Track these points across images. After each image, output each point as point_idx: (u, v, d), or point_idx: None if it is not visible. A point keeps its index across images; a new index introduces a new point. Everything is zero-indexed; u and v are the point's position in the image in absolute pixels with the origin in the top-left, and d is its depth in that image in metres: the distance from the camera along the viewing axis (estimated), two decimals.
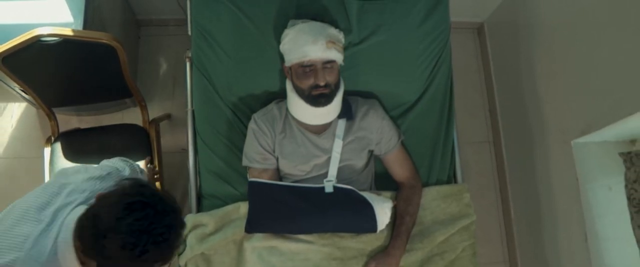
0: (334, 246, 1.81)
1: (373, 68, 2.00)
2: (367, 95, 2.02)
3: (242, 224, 1.82)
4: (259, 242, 1.81)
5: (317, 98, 1.72)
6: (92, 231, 1.17)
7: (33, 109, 2.72)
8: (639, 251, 1.79)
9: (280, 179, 1.91)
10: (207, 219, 1.86)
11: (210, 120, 1.98)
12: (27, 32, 1.76)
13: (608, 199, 1.93)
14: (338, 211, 1.80)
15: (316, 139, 1.84)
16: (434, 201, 1.96)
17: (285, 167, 1.87)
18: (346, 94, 1.87)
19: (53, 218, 1.29)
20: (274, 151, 1.85)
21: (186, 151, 2.03)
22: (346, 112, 1.86)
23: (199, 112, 1.99)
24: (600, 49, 1.86)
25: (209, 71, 1.98)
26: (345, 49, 1.90)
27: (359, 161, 1.89)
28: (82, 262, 1.26)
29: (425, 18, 2.03)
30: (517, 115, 2.64)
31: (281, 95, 1.96)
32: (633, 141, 1.93)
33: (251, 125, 1.87)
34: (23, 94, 2.26)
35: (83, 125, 2.67)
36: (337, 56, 1.73)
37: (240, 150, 1.92)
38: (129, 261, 1.14)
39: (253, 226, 1.81)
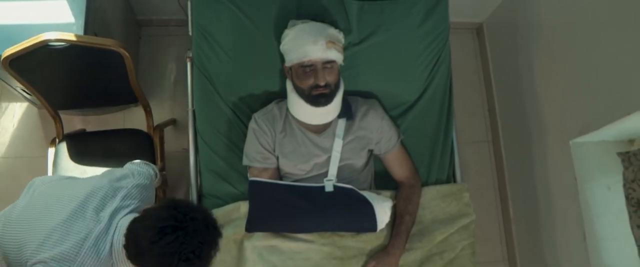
0: (334, 245, 1.82)
1: (373, 68, 2.01)
2: (367, 95, 2.02)
3: (243, 223, 1.83)
4: (259, 241, 1.81)
5: (317, 98, 1.72)
6: (133, 248, 1.32)
7: (35, 109, 2.73)
8: (638, 250, 1.79)
9: (281, 179, 1.91)
10: None
11: (211, 120, 1.98)
12: (35, 37, 1.76)
13: (606, 198, 1.93)
14: (338, 210, 1.80)
15: (316, 139, 1.84)
16: (433, 200, 1.97)
17: (286, 166, 1.87)
18: (346, 93, 1.88)
19: (110, 220, 1.44)
20: (274, 150, 1.86)
21: (187, 150, 2.03)
22: (346, 112, 1.87)
23: (199, 112, 2.00)
24: (599, 49, 1.86)
25: (210, 71, 1.98)
26: (345, 49, 1.90)
27: (359, 160, 1.90)
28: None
29: (425, 18, 2.03)
30: (516, 115, 2.64)
31: (281, 95, 1.96)
32: (631, 141, 1.93)
33: (251, 124, 1.87)
34: (25, 93, 2.27)
35: (86, 125, 2.69)
36: (337, 56, 1.73)
37: (241, 149, 1.93)
38: None
39: (253, 225, 1.82)
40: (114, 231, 1.43)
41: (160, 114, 2.75)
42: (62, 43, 1.81)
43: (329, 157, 1.86)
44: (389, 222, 1.86)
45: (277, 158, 1.87)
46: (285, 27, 1.86)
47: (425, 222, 1.94)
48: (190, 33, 2.02)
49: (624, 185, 1.82)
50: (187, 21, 2.05)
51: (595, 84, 1.89)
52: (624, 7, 1.71)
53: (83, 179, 1.61)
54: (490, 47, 2.99)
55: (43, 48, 1.79)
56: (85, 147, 2.22)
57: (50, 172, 2.20)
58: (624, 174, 1.82)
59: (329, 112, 1.80)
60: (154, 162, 2.26)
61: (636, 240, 1.80)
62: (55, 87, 2.01)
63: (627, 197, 1.81)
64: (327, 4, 1.99)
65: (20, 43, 1.76)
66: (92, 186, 1.51)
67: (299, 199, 1.82)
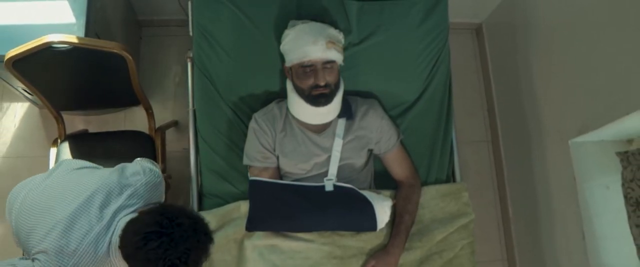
0: (334, 244, 1.83)
1: (372, 68, 2.02)
2: (367, 95, 2.03)
3: (243, 222, 1.84)
4: (260, 241, 1.82)
5: (317, 98, 1.73)
6: (124, 250, 1.33)
7: (36, 109, 2.73)
8: (636, 249, 1.79)
9: (281, 178, 1.91)
10: (208, 217, 1.82)
11: (211, 120, 1.99)
12: (38, 38, 1.77)
13: (605, 198, 1.93)
14: (338, 210, 1.81)
15: (316, 138, 1.85)
16: (432, 199, 1.98)
17: (286, 165, 1.88)
18: (346, 93, 1.88)
19: (112, 219, 1.45)
20: (274, 150, 1.87)
21: (188, 150, 2.04)
22: (346, 112, 1.87)
23: (200, 112, 2.00)
24: (597, 49, 1.87)
25: (210, 71, 1.99)
26: (345, 49, 1.91)
27: (359, 160, 1.90)
28: None
29: (424, 18, 2.04)
30: (515, 115, 2.64)
31: (281, 95, 1.97)
32: (630, 141, 1.93)
33: (252, 124, 1.88)
34: (26, 94, 2.27)
35: (87, 125, 2.69)
36: (337, 56, 1.74)
37: (241, 149, 1.93)
38: None
39: (254, 224, 1.82)
40: (114, 230, 1.44)
41: (161, 114, 2.75)
42: (65, 45, 1.81)
43: (329, 157, 1.86)
44: (389, 221, 1.86)
45: (278, 158, 1.88)
46: (285, 27, 1.87)
47: (424, 222, 1.94)
48: (190, 33, 2.03)
49: (623, 184, 1.82)
50: (187, 21, 2.05)
51: (594, 84, 1.90)
52: (623, 7, 1.72)
53: (98, 171, 1.62)
54: (490, 47, 2.99)
55: (46, 49, 1.80)
56: (87, 148, 2.22)
57: None
58: (622, 174, 1.82)
59: (329, 112, 1.80)
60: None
61: (635, 239, 1.80)
62: (57, 89, 2.01)
63: (625, 197, 1.81)
64: (327, 5, 2.00)
65: (24, 44, 1.77)
66: (102, 181, 1.52)
67: (299, 199, 1.82)
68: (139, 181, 1.58)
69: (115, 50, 1.87)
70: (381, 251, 1.84)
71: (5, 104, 2.76)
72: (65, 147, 2.18)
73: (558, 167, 2.19)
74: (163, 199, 1.72)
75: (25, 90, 2.20)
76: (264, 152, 1.85)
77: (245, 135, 1.94)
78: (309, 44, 1.70)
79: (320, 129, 1.87)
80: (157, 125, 2.35)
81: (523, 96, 2.52)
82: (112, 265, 1.47)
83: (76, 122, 2.70)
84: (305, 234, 1.83)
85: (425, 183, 2.02)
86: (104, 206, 1.46)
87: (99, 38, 2.06)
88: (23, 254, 1.52)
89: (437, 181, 2.05)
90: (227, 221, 1.88)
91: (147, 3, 2.76)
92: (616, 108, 1.73)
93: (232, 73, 1.98)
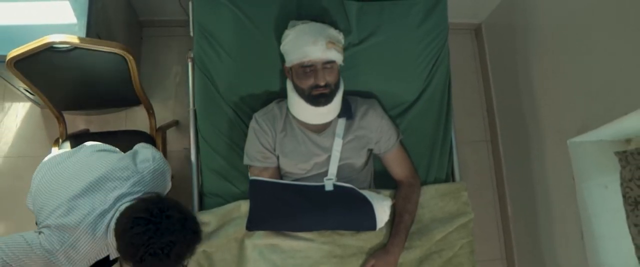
0: (334, 243, 1.83)
1: (372, 68, 2.02)
2: (367, 95, 2.04)
3: (243, 222, 1.84)
4: (260, 240, 1.82)
5: (317, 98, 1.73)
6: (115, 231, 1.40)
7: (37, 109, 2.74)
8: (635, 248, 1.80)
9: (281, 178, 1.92)
10: (209, 217, 1.88)
11: (212, 120, 1.99)
12: (40, 39, 1.78)
13: (604, 197, 1.94)
14: (338, 209, 1.81)
15: (316, 138, 1.86)
16: (432, 199, 1.98)
17: (286, 165, 1.88)
18: (346, 93, 1.89)
19: (114, 203, 1.52)
20: (274, 150, 1.87)
21: (188, 149, 2.04)
22: (346, 112, 1.88)
23: (200, 112, 2.01)
24: (596, 49, 1.87)
25: (211, 71, 1.99)
26: (345, 49, 1.92)
27: (359, 160, 1.91)
28: None
29: (424, 19, 2.04)
30: (514, 114, 2.65)
31: (282, 95, 1.97)
32: (628, 140, 1.93)
33: (252, 124, 1.88)
34: (28, 94, 2.28)
35: (88, 124, 2.70)
36: (337, 56, 1.74)
37: (242, 149, 1.93)
38: (132, 263, 1.36)
39: (254, 223, 1.83)
40: (114, 214, 1.49)
41: (162, 114, 2.76)
42: (67, 45, 1.82)
43: (329, 157, 1.86)
44: (389, 221, 1.86)
45: (278, 157, 1.88)
46: (285, 27, 1.87)
47: (424, 221, 1.95)
48: (191, 33, 2.04)
49: (621, 184, 1.83)
50: (188, 22, 2.06)
51: (592, 84, 1.90)
52: (622, 8, 1.72)
53: (112, 155, 1.66)
54: (489, 48, 3.00)
55: (47, 50, 1.80)
56: None
57: None
58: (621, 173, 1.83)
59: (329, 111, 1.80)
60: None
61: (633, 238, 1.80)
62: (59, 88, 2.02)
63: (624, 196, 1.82)
64: (327, 5, 2.01)
65: (25, 45, 1.77)
66: (112, 165, 1.58)
67: (299, 198, 1.83)
68: (147, 168, 1.63)
69: (116, 51, 1.88)
70: (381, 250, 1.84)
71: (7, 104, 2.76)
72: (67, 147, 2.19)
73: (557, 167, 2.19)
74: (169, 187, 1.75)
75: (27, 90, 2.20)
76: (264, 152, 1.86)
77: (245, 135, 1.94)
78: (309, 44, 1.70)
79: (320, 128, 1.87)
80: (157, 125, 2.36)
81: (522, 96, 2.53)
82: (109, 246, 1.53)
83: (77, 122, 2.71)
84: (306, 234, 1.84)
85: (424, 183, 2.02)
86: (109, 190, 1.52)
87: (100, 38, 2.06)
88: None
89: (437, 181, 2.05)
90: (227, 220, 1.89)
91: (148, 3, 2.77)
92: (615, 108, 1.73)
93: (232, 73, 1.98)
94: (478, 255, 2.01)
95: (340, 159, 1.87)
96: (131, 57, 1.92)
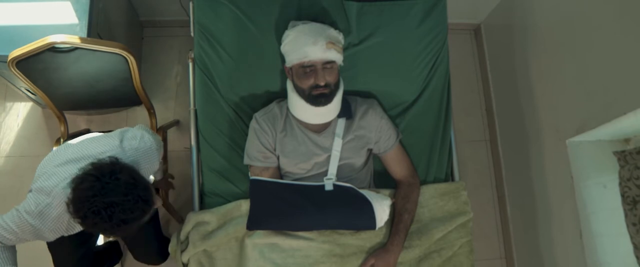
0: (333, 242, 1.83)
1: (372, 68, 2.03)
2: (366, 95, 2.04)
3: (244, 221, 1.85)
4: (260, 239, 1.83)
5: (317, 98, 1.74)
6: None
7: (39, 109, 2.75)
8: (633, 248, 1.80)
9: (281, 177, 1.92)
10: (210, 216, 1.89)
11: (213, 120, 2.00)
12: (41, 39, 1.78)
13: (602, 196, 1.94)
14: (338, 209, 1.82)
15: (316, 138, 1.86)
16: (431, 198, 1.98)
17: (286, 165, 1.89)
18: (346, 93, 1.90)
19: None
20: (275, 150, 1.87)
21: (189, 149, 2.05)
22: (346, 112, 1.88)
23: (201, 112, 2.01)
24: (594, 50, 1.87)
25: (211, 71, 2.00)
26: (345, 49, 1.93)
27: (358, 159, 1.91)
28: None
29: (423, 19, 2.05)
30: (513, 114, 2.65)
31: (282, 95, 1.98)
32: (627, 140, 1.93)
33: (253, 124, 1.89)
34: (29, 93, 2.29)
35: (89, 124, 2.71)
36: (337, 57, 1.75)
37: (242, 148, 1.94)
38: (79, 222, 1.37)
39: (254, 223, 1.83)
40: None
41: (163, 114, 2.77)
42: (68, 45, 1.82)
43: (329, 156, 1.87)
44: (388, 220, 1.87)
45: (278, 157, 1.89)
46: (285, 28, 1.87)
47: (423, 220, 1.95)
48: (192, 34, 2.04)
49: (620, 183, 1.83)
50: (189, 22, 2.06)
51: (591, 84, 1.90)
52: (620, 8, 1.73)
53: (106, 136, 1.68)
54: (488, 48, 3.00)
55: (49, 50, 1.81)
56: None
57: None
58: (619, 173, 1.83)
59: (329, 111, 1.81)
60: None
61: (631, 237, 1.80)
62: (60, 88, 2.02)
63: (622, 196, 1.82)
64: (327, 5, 2.01)
65: (27, 45, 1.78)
66: (101, 145, 1.61)
67: (299, 198, 1.83)
68: (132, 146, 1.64)
69: (117, 51, 1.89)
70: (381, 249, 1.84)
71: (8, 104, 2.77)
72: None
73: (556, 166, 2.20)
74: (155, 167, 1.74)
75: (28, 90, 2.21)
76: (264, 152, 1.86)
77: (246, 134, 1.95)
78: (309, 45, 1.71)
79: (320, 128, 1.88)
80: (158, 125, 2.36)
81: (521, 96, 2.53)
82: None
83: (78, 121, 2.72)
84: (306, 233, 1.84)
85: (424, 182, 2.02)
86: (88, 161, 1.51)
87: (101, 39, 2.07)
88: None
89: (436, 180, 2.06)
90: (228, 219, 1.89)
91: (149, 4, 2.77)
92: (613, 108, 1.74)
93: (233, 73, 1.99)
94: (477, 254, 2.03)
95: (340, 159, 1.87)
96: (132, 57, 1.93)
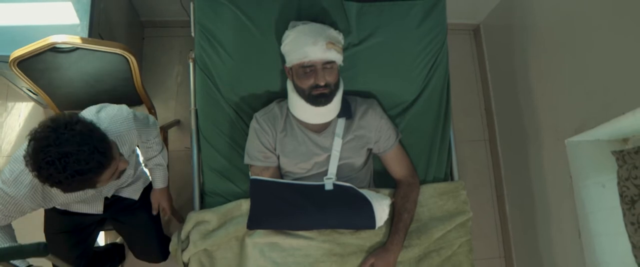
0: (333, 242, 1.83)
1: (372, 68, 2.03)
2: (366, 95, 2.05)
3: (244, 220, 1.85)
4: (261, 239, 1.83)
5: (317, 98, 1.74)
6: None
7: (40, 108, 2.75)
8: (631, 247, 1.80)
9: (282, 177, 1.93)
10: (210, 215, 1.89)
11: (213, 119, 2.01)
12: (43, 39, 1.79)
13: (601, 196, 1.95)
14: (338, 208, 1.82)
15: (316, 138, 1.87)
16: (431, 198, 1.99)
17: (286, 165, 1.89)
18: (345, 93, 1.90)
19: None
20: (275, 149, 1.88)
21: (190, 149, 2.05)
22: (345, 112, 1.89)
23: (202, 112, 2.02)
24: (593, 50, 1.88)
25: (212, 71, 2.00)
26: (345, 50, 1.93)
27: (358, 159, 1.92)
28: None
29: (423, 20, 2.05)
30: (512, 114, 2.66)
31: (282, 95, 1.99)
32: (625, 140, 1.94)
33: (253, 124, 1.89)
34: (31, 93, 2.29)
35: None
36: (337, 57, 1.75)
37: (243, 148, 1.95)
38: (35, 174, 1.35)
39: (255, 222, 1.84)
40: None
41: (163, 114, 2.78)
42: (69, 45, 1.83)
43: (329, 156, 1.87)
44: (388, 219, 1.87)
45: (278, 157, 1.89)
46: (285, 28, 1.88)
47: (423, 220, 1.95)
48: (192, 34, 2.05)
49: (618, 183, 1.83)
50: (189, 22, 2.07)
51: (590, 84, 1.91)
52: (618, 8, 1.73)
53: (91, 107, 1.68)
54: (487, 48, 3.01)
55: (50, 50, 1.82)
56: None
57: None
58: (618, 172, 1.83)
59: (329, 111, 1.81)
60: None
61: (630, 236, 1.81)
62: (61, 88, 2.03)
63: (621, 195, 1.82)
64: (327, 6, 2.02)
65: (28, 45, 1.79)
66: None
67: (299, 197, 1.84)
68: (109, 113, 1.65)
69: (118, 51, 1.89)
70: (380, 248, 1.85)
71: (10, 104, 2.77)
72: None
73: (555, 166, 2.20)
74: (135, 140, 1.73)
75: (30, 90, 2.21)
76: (264, 152, 1.87)
77: (246, 134, 1.95)
78: (309, 45, 1.71)
79: (320, 128, 1.88)
80: (159, 125, 2.36)
81: (520, 96, 2.54)
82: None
83: None
84: (306, 232, 1.84)
85: (423, 182, 2.03)
86: None
87: (102, 39, 2.08)
88: None
89: (436, 180, 2.06)
90: (228, 219, 1.90)
91: (150, 4, 2.78)
92: (612, 108, 1.74)
93: (233, 73, 1.99)
94: (476, 253, 2.03)
95: (340, 159, 1.88)
96: (133, 58, 1.94)
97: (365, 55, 2.03)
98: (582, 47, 1.96)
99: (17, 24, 2.02)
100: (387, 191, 1.95)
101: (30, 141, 1.34)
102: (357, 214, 1.83)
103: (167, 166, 2.03)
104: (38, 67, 1.88)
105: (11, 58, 1.80)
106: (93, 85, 2.05)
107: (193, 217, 1.90)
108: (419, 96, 2.09)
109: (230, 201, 1.94)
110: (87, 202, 1.89)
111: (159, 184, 2.02)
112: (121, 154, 1.55)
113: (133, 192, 2.01)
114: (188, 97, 2.09)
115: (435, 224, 1.94)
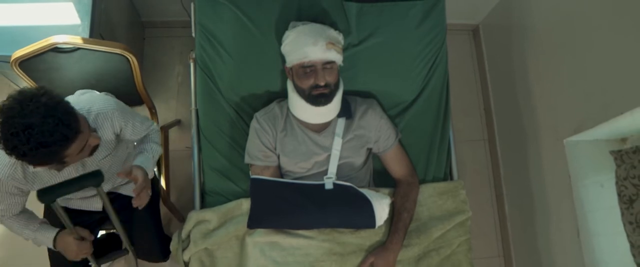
0: (333, 241, 1.84)
1: (371, 69, 2.04)
2: (366, 95, 2.05)
3: (245, 220, 1.85)
4: (261, 238, 1.83)
5: (317, 98, 1.75)
6: None
7: None
8: (629, 246, 1.80)
9: (282, 176, 1.93)
10: (211, 215, 1.89)
11: (214, 119, 2.01)
12: (44, 39, 1.79)
13: (599, 195, 1.95)
14: (338, 207, 1.83)
15: (316, 137, 1.87)
16: (430, 197, 1.99)
17: (287, 164, 1.90)
18: (345, 93, 1.91)
19: None
20: (275, 149, 1.89)
21: (190, 148, 2.06)
22: (345, 111, 1.89)
23: (202, 112, 2.03)
24: (592, 50, 1.88)
25: (213, 71, 2.01)
26: (345, 50, 1.94)
27: (358, 159, 1.92)
28: None
29: (422, 20, 2.06)
30: (511, 114, 2.66)
31: (282, 95, 1.99)
32: (623, 139, 1.94)
33: (253, 123, 1.90)
34: None
35: None
36: (337, 57, 1.76)
37: (243, 148, 1.95)
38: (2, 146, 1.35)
39: (255, 221, 1.84)
40: None
41: (164, 113, 2.78)
42: (70, 46, 1.83)
43: (329, 156, 1.88)
44: (388, 218, 1.88)
45: (278, 156, 1.90)
46: (286, 28, 1.88)
47: (422, 219, 1.96)
48: (193, 34, 2.05)
49: (617, 182, 1.83)
50: (190, 23, 2.07)
51: (588, 84, 1.91)
52: (617, 9, 1.74)
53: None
54: (486, 48, 3.01)
55: (51, 50, 1.82)
56: None
57: None
58: (616, 172, 1.83)
59: (329, 111, 1.82)
60: (159, 163, 2.28)
61: (628, 236, 1.80)
62: (62, 88, 2.03)
63: (619, 194, 1.82)
64: (326, 6, 2.03)
65: (30, 45, 1.79)
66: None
67: (299, 197, 1.84)
68: (93, 95, 1.67)
69: (119, 51, 1.90)
70: (380, 247, 1.85)
71: None
72: None
73: (553, 166, 2.20)
74: (116, 124, 1.72)
75: None
76: (265, 151, 1.87)
77: (246, 134, 1.96)
78: (309, 45, 1.72)
79: (320, 128, 1.89)
80: (160, 125, 2.38)
81: (519, 96, 2.54)
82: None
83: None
84: (306, 231, 1.85)
85: (423, 181, 2.03)
86: None
87: (103, 39, 2.09)
88: None
89: (435, 179, 2.06)
90: (229, 218, 1.90)
91: (151, 5, 2.79)
92: (610, 108, 1.75)
93: (234, 73, 2.00)
94: (476, 252, 2.03)
95: (340, 158, 1.88)
96: (134, 58, 1.94)
97: (365, 56, 2.03)
98: (580, 47, 1.97)
99: (18, 24, 2.02)
100: (386, 190, 1.95)
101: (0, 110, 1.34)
102: (357, 213, 1.83)
103: (154, 160, 1.92)
104: (39, 67, 1.89)
105: (13, 58, 1.81)
106: (94, 85, 2.05)
107: (194, 217, 1.91)
108: (418, 96, 2.09)
109: (230, 200, 1.94)
110: (85, 198, 1.90)
111: (139, 162, 1.82)
112: (94, 130, 1.55)
113: (132, 190, 2.00)
114: (189, 97, 2.09)
115: (434, 223, 1.94)
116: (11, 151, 1.33)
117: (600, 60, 1.84)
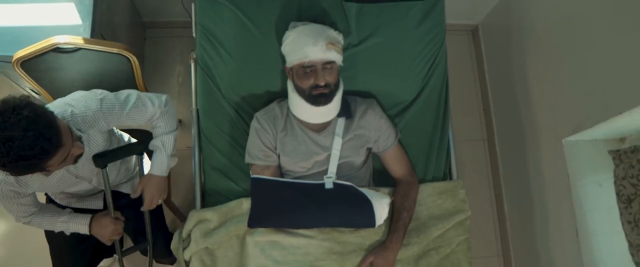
0: (333, 240, 1.84)
1: (371, 69, 2.04)
2: (366, 95, 2.05)
3: (245, 219, 1.85)
4: (261, 237, 1.84)
5: (317, 98, 1.75)
6: None
7: None
8: (628, 245, 1.81)
9: (282, 176, 1.94)
10: (211, 214, 1.89)
11: (214, 119, 2.02)
12: (45, 40, 1.79)
13: (598, 195, 1.96)
14: (338, 207, 1.83)
15: (316, 137, 1.88)
16: (430, 197, 1.99)
17: (287, 164, 1.90)
18: (345, 93, 1.91)
19: None
20: (275, 148, 1.89)
21: (191, 148, 2.06)
22: (345, 111, 1.89)
23: (203, 111, 2.03)
24: (591, 50, 1.89)
25: (213, 72, 2.01)
26: (345, 50, 1.94)
27: (358, 158, 1.93)
28: None
29: (422, 20, 2.06)
30: (510, 114, 2.67)
31: (282, 95, 1.99)
32: (622, 139, 1.95)
33: (254, 123, 1.90)
34: (33, 93, 2.30)
35: None
36: (337, 57, 1.76)
37: (243, 148, 1.95)
38: None
39: (255, 221, 1.84)
40: None
41: None
42: (72, 46, 1.83)
43: (329, 155, 1.88)
44: (387, 218, 1.88)
45: (279, 156, 1.90)
46: (286, 28, 1.88)
47: (422, 218, 1.96)
48: (194, 34, 2.05)
49: (615, 182, 1.84)
50: (191, 23, 2.08)
51: (587, 85, 1.92)
52: (617, 9, 1.74)
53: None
54: (486, 48, 3.02)
55: (53, 50, 1.82)
56: None
57: None
58: (615, 172, 1.84)
59: (329, 111, 1.82)
60: None
61: (626, 235, 1.81)
62: (64, 88, 2.03)
63: (617, 194, 1.83)
64: (326, 7, 2.03)
65: (31, 45, 1.79)
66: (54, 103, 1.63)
67: (299, 196, 1.85)
68: (81, 93, 1.67)
69: (120, 51, 1.90)
70: (380, 246, 1.85)
71: None
72: None
73: (552, 165, 2.21)
74: (103, 126, 1.70)
75: (33, 90, 2.21)
76: (265, 151, 1.88)
77: (246, 134, 1.96)
78: (309, 45, 1.72)
79: (321, 128, 1.89)
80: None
81: (518, 96, 2.54)
82: None
83: None
84: (306, 231, 1.85)
85: (422, 181, 2.03)
86: None
87: (104, 39, 2.09)
88: None
89: (434, 179, 2.06)
90: (229, 217, 1.90)
91: (152, 5, 2.79)
92: (609, 108, 1.75)
93: (234, 73, 2.00)
94: (475, 251, 2.03)
95: (340, 158, 1.88)
96: (134, 58, 1.95)
97: (365, 56, 2.03)
98: (579, 47, 1.97)
99: (20, 24, 2.02)
100: (386, 190, 1.96)
101: None
102: (357, 212, 1.83)
103: (172, 155, 1.91)
104: (41, 67, 1.89)
105: (14, 58, 1.81)
106: (95, 85, 2.04)
107: (194, 216, 1.91)
108: (418, 96, 2.09)
109: (231, 199, 1.94)
110: (85, 198, 1.91)
111: (153, 169, 1.86)
112: (79, 138, 1.55)
113: (132, 188, 2.00)
114: (189, 97, 2.09)
115: (434, 222, 1.94)
116: None
117: (599, 60, 1.84)
